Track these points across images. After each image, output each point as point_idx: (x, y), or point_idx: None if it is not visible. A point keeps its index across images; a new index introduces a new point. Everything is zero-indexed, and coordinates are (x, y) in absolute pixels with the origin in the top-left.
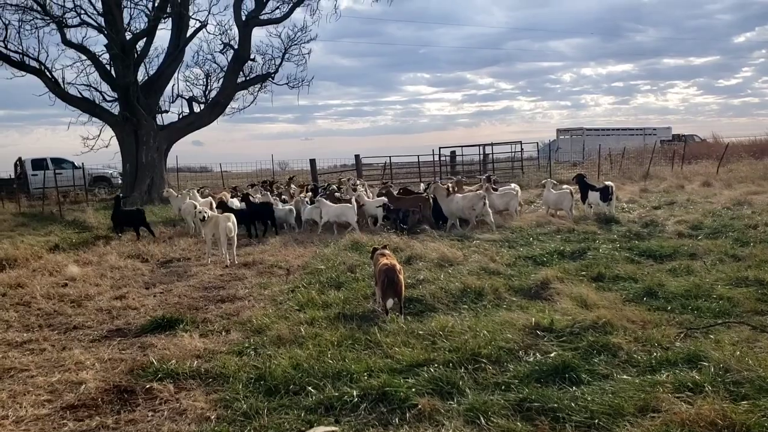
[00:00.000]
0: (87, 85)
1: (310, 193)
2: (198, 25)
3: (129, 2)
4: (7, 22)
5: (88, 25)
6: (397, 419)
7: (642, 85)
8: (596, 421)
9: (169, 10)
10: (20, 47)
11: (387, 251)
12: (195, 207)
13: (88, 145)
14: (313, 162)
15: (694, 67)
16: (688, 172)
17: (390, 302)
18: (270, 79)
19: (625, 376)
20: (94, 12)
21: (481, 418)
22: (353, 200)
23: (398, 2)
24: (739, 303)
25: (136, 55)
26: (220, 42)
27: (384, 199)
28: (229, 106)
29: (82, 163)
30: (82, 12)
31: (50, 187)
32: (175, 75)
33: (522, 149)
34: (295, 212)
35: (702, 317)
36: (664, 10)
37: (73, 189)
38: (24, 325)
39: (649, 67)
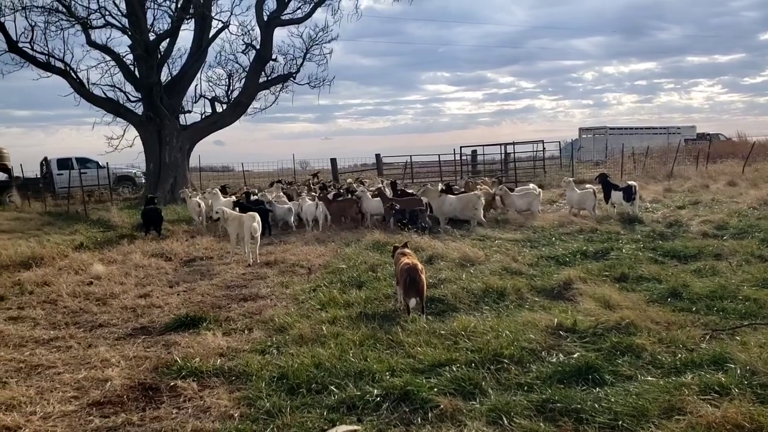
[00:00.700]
0: (111, 86)
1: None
2: (220, 25)
3: (152, 3)
4: (33, 24)
5: (113, 26)
6: (419, 419)
7: (665, 83)
8: (620, 422)
9: (192, 10)
10: (46, 48)
11: (408, 250)
12: (199, 206)
13: (112, 145)
14: (334, 161)
15: (719, 65)
16: (713, 171)
17: (412, 302)
18: (291, 79)
19: (649, 378)
20: (118, 13)
21: (504, 419)
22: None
23: (418, 1)
24: (765, 304)
25: (159, 56)
26: (242, 42)
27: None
28: (251, 105)
29: (107, 163)
30: (107, 13)
31: (75, 186)
32: (198, 75)
33: (544, 148)
34: (294, 212)
35: (728, 319)
36: (688, 7)
37: (98, 188)
38: (51, 323)
39: (673, 65)
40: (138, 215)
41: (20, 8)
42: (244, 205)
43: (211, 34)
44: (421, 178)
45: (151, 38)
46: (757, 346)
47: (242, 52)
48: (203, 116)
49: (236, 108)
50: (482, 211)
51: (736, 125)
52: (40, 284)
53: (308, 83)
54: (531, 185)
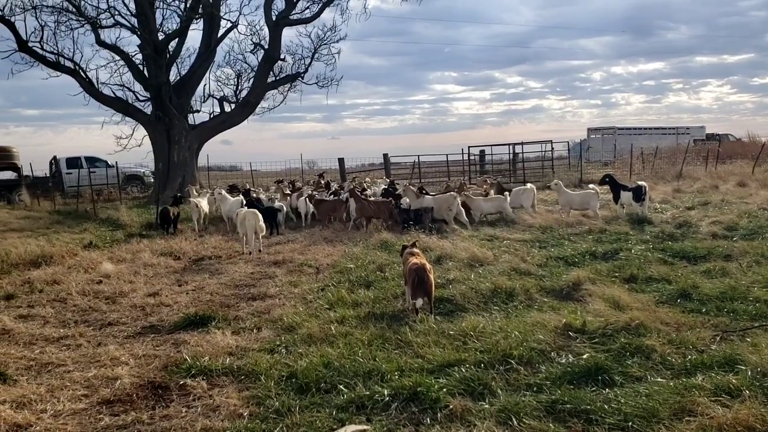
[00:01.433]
0: (120, 85)
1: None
2: (229, 25)
3: (162, 3)
4: (43, 24)
5: (122, 25)
6: (428, 419)
7: (674, 83)
8: (630, 424)
9: (200, 10)
10: (56, 48)
11: (416, 250)
12: (197, 206)
13: (121, 144)
14: (341, 161)
15: (728, 65)
16: (722, 171)
17: (420, 302)
18: (300, 78)
19: (659, 379)
20: (128, 13)
21: (513, 420)
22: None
23: (426, 1)
24: None
25: (168, 56)
26: (251, 42)
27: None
28: (259, 105)
29: (116, 162)
30: (116, 13)
31: (84, 185)
32: (207, 75)
33: (552, 148)
34: (285, 210)
35: (738, 320)
36: (697, 7)
37: (107, 187)
38: (60, 321)
39: (681, 66)
40: (147, 214)
41: (30, 8)
42: (257, 206)
43: (219, 34)
44: (429, 178)
45: (160, 38)
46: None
47: (251, 51)
48: (212, 116)
49: (244, 108)
50: (460, 210)
51: (746, 125)
52: (50, 283)
53: (316, 83)
54: (528, 185)
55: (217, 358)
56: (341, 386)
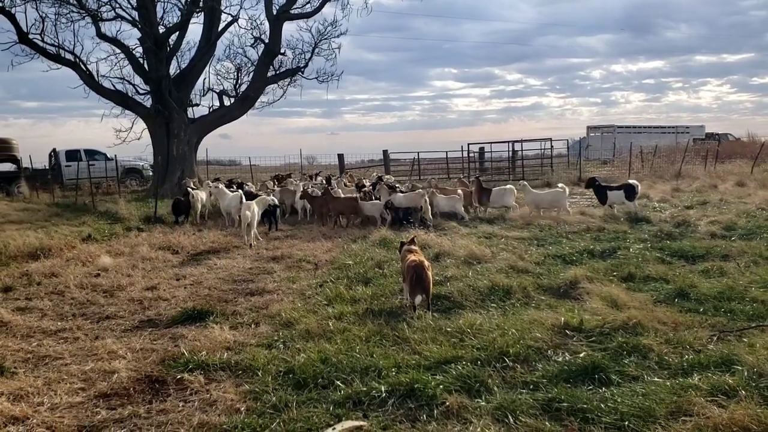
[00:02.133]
0: (120, 78)
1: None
2: (229, 19)
3: None
4: (43, 15)
5: (123, 18)
6: (425, 416)
7: (674, 82)
8: (626, 423)
9: (201, 4)
10: (56, 40)
11: (415, 247)
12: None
13: (120, 137)
14: (341, 157)
15: (728, 64)
16: (721, 171)
17: (418, 299)
18: (300, 73)
19: (656, 378)
20: (129, 6)
21: (510, 417)
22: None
23: None
24: None
25: (168, 49)
26: (251, 36)
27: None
28: (258, 99)
29: (115, 155)
30: (117, 6)
31: (83, 178)
32: (207, 69)
33: (552, 146)
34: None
35: (735, 320)
36: (697, 6)
37: (106, 180)
38: (58, 314)
39: (681, 65)
40: (146, 208)
41: (31, 0)
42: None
43: (220, 28)
44: (428, 175)
45: (161, 31)
46: (764, 348)
47: (251, 45)
48: (211, 110)
49: (244, 102)
50: (427, 208)
51: (745, 125)
52: (48, 275)
53: (316, 78)
54: (509, 185)
55: (215, 353)
56: (338, 382)
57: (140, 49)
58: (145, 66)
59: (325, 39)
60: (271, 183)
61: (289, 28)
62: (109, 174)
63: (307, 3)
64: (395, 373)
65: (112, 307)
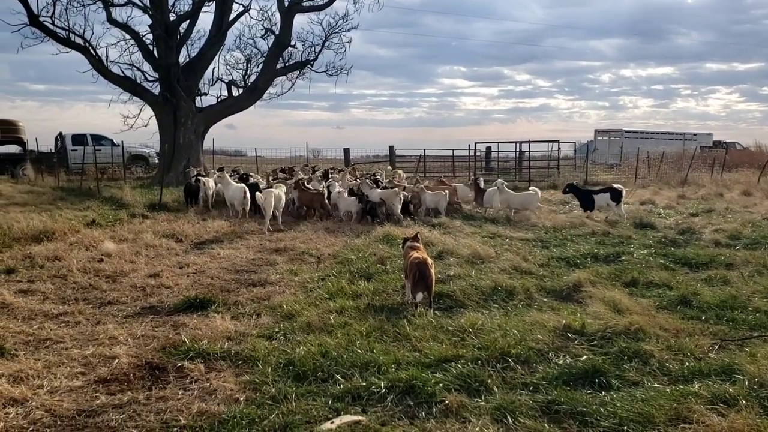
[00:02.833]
0: (129, 65)
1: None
2: (241, 9)
3: None
4: None
5: (134, 4)
6: (423, 413)
7: (682, 89)
8: (625, 428)
9: None
10: (67, 24)
11: (418, 244)
12: (204, 184)
13: (127, 124)
14: (347, 151)
15: (738, 72)
16: (727, 180)
17: (419, 296)
18: (309, 66)
19: (656, 384)
20: None
21: (509, 418)
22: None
23: None
24: None
25: (178, 37)
26: (262, 27)
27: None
28: (267, 91)
29: (121, 141)
30: None
31: (89, 163)
32: (216, 58)
33: (559, 148)
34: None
35: (737, 329)
36: (708, 13)
37: (111, 166)
38: (60, 298)
39: (691, 71)
40: (151, 194)
41: None
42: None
43: (231, 18)
44: (434, 172)
45: (172, 18)
46: (765, 358)
47: (261, 37)
48: (219, 99)
49: (252, 93)
50: (399, 206)
51: (753, 134)
52: (51, 259)
53: (326, 71)
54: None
55: (216, 342)
56: (338, 376)
57: (150, 36)
58: (155, 53)
59: (336, 33)
60: (300, 173)
61: (299, 21)
62: (114, 160)
63: None
64: (395, 369)
65: (115, 292)
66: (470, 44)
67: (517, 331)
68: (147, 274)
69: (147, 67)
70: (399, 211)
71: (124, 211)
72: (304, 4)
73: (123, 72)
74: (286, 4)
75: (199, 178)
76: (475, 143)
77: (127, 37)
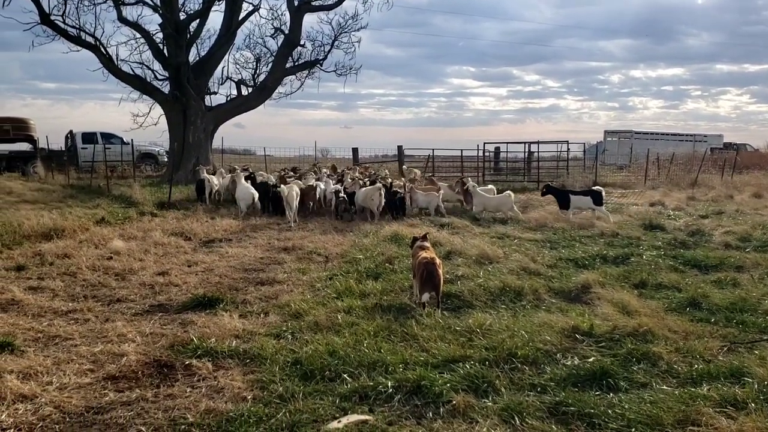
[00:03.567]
0: (140, 63)
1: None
2: (251, 8)
3: None
4: None
5: (145, 3)
6: (430, 413)
7: (692, 90)
8: (633, 430)
9: None
10: (77, 23)
11: (427, 243)
12: (207, 181)
13: (137, 122)
14: (355, 150)
15: (749, 74)
16: (738, 181)
17: (426, 296)
18: (318, 65)
19: (664, 387)
20: None
21: (516, 419)
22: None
23: None
24: None
25: (188, 36)
26: (272, 26)
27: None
28: (276, 90)
29: (131, 140)
30: None
31: (99, 161)
32: (226, 57)
33: (568, 149)
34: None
35: (747, 332)
36: (718, 14)
37: (121, 164)
38: (69, 295)
39: (701, 72)
40: (160, 193)
41: None
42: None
43: (241, 17)
44: (442, 172)
45: (182, 17)
46: None
47: (271, 36)
48: (228, 98)
49: (262, 92)
50: (380, 204)
51: (764, 136)
52: (61, 256)
53: (335, 71)
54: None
55: (224, 340)
56: (345, 375)
57: (160, 35)
58: (165, 52)
59: (345, 32)
60: (324, 170)
61: (309, 20)
62: (124, 158)
63: None
64: (402, 369)
65: (124, 290)
66: (479, 44)
67: (525, 332)
68: (156, 272)
69: (157, 65)
70: (375, 208)
71: (133, 209)
72: (313, 3)
73: (133, 70)
74: (296, 3)
75: (204, 175)
76: (484, 143)
77: (138, 35)
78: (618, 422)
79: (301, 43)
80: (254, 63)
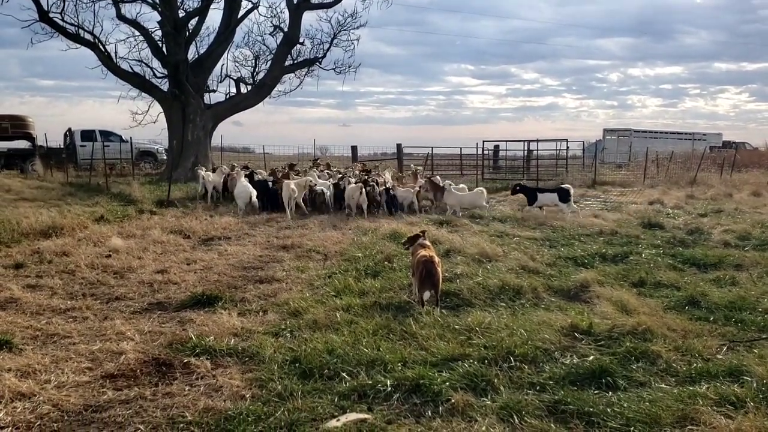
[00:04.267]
0: (138, 61)
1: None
2: (250, 6)
3: None
4: None
5: (143, 1)
6: (429, 412)
7: (691, 88)
8: (632, 428)
9: None
10: (76, 20)
11: (426, 242)
12: (204, 179)
13: (136, 120)
14: (354, 149)
15: (747, 72)
16: (737, 180)
17: (426, 294)
18: (317, 63)
19: (663, 385)
20: None
21: (515, 417)
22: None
23: None
24: None
25: (187, 34)
26: (271, 24)
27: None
28: (275, 88)
29: (130, 137)
30: None
31: (98, 158)
32: (225, 55)
33: (568, 147)
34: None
35: (746, 330)
36: (717, 13)
37: (120, 162)
38: (68, 293)
39: (699, 71)
40: (159, 191)
41: None
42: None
43: (240, 15)
44: (441, 170)
45: (181, 15)
46: None
47: (270, 34)
48: (227, 96)
49: (260, 90)
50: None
51: (763, 135)
52: (59, 254)
53: (334, 69)
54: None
55: (222, 339)
56: (344, 374)
57: (159, 33)
58: (164, 49)
59: (345, 30)
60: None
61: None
62: (123, 156)
63: None
64: (401, 367)
65: (122, 288)
66: (477, 42)
67: (524, 331)
68: (154, 270)
69: (156, 63)
70: (354, 205)
71: (132, 207)
72: (313, 1)
73: (132, 68)
74: (295, 1)
75: (199, 172)
76: (483, 142)
77: (136, 33)
78: (617, 421)
79: (300, 41)
80: (253, 61)
